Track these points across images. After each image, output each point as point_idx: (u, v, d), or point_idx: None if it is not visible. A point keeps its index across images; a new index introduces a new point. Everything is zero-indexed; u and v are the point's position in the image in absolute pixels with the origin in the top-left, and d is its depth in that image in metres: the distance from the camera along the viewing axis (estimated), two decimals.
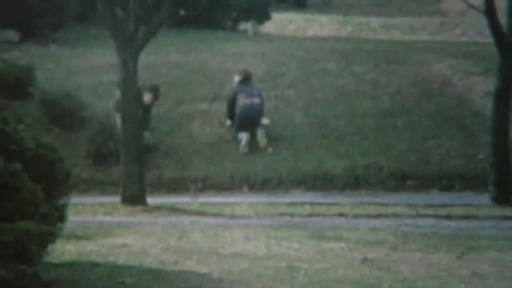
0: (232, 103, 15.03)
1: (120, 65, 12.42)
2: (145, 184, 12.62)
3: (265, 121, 14.96)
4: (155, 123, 15.24)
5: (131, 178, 12.32)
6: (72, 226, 8.15)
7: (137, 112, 12.67)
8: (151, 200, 12.54)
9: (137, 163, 12.41)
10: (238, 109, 14.89)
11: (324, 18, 23.47)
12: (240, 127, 14.86)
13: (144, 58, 13.29)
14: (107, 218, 11.36)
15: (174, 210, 12.05)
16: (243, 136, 14.80)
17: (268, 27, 22.17)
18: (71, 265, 7.63)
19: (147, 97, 14.67)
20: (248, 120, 14.81)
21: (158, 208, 12.11)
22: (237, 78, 15.28)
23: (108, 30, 12.56)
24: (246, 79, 15.16)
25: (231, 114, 15.06)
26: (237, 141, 14.86)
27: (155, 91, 14.93)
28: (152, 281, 7.06)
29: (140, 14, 12.37)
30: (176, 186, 14.11)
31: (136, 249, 8.63)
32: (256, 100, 14.97)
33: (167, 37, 17.29)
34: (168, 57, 17.99)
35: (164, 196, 13.35)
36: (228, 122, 15.18)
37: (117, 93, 13.35)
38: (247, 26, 21.78)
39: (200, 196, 13.47)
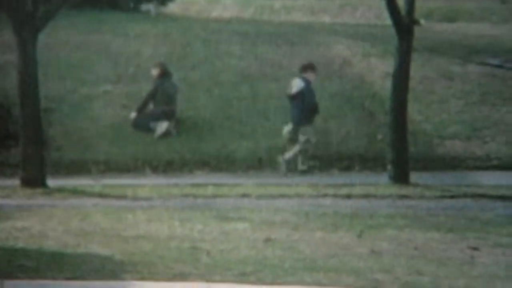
0: (150, 98, 14.99)
1: (17, 46, 12.14)
2: (45, 166, 12.43)
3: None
4: (54, 104, 15.02)
5: (31, 160, 12.12)
6: None
7: (37, 93, 12.44)
8: (51, 182, 12.36)
9: (37, 144, 12.21)
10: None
11: (227, 0, 23.48)
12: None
13: (43, 39, 13.04)
14: (6, 201, 11.15)
15: (76, 192, 11.91)
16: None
17: (171, 8, 22.03)
18: None
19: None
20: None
21: (58, 190, 11.95)
22: (154, 72, 15.19)
23: (5, 9, 12.25)
24: (165, 74, 15.09)
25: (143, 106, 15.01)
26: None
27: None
28: (53, 264, 6.98)
29: None
30: (78, 168, 13.94)
31: (36, 232, 8.52)
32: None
33: (67, 18, 16.99)
34: (69, 38, 17.69)
35: (65, 179, 13.17)
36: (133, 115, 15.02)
37: None
38: (149, 7, 21.60)
39: (102, 178, 13.35)
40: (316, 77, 14.34)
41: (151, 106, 15.17)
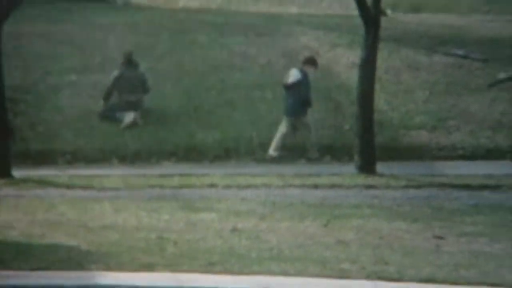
0: (113, 86, 14.91)
1: None
2: (10, 157, 12.33)
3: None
4: (20, 94, 14.89)
5: None
6: None
7: (2, 83, 12.32)
8: (17, 173, 12.26)
9: (2, 135, 12.11)
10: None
11: None
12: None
13: (8, 29, 12.91)
14: None
15: (41, 183, 11.83)
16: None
17: None
18: None
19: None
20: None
21: (24, 181, 11.87)
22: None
23: None
24: (129, 63, 15.02)
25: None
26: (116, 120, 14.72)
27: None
28: (18, 255, 6.94)
29: None
30: (44, 159, 13.84)
31: (1, 222, 8.46)
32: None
33: (33, 8, 16.84)
34: (34, 28, 17.53)
35: (31, 169, 13.08)
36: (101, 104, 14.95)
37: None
38: None
39: (68, 169, 13.27)
40: (314, 72, 14.33)
41: (115, 95, 15.09)
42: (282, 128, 13.86)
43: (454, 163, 13.80)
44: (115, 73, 15.12)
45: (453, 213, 9.70)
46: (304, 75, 14.10)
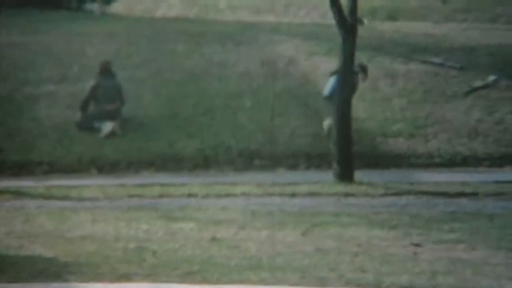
0: (90, 95, 14.88)
1: None
2: None
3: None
4: None
5: None
6: None
7: None
8: None
9: None
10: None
11: None
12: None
13: None
14: None
15: (18, 194, 11.78)
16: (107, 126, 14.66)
17: (116, 7, 21.88)
18: None
19: None
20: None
21: (1, 192, 11.80)
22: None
23: None
24: (105, 72, 14.99)
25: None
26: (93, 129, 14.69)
27: None
28: None
29: None
30: (21, 169, 13.78)
31: None
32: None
33: (8, 17, 16.79)
34: (10, 37, 17.47)
35: (7, 180, 13.01)
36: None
37: None
38: (93, 6, 21.44)
39: (46, 179, 13.21)
40: (364, 79, 14.51)
41: (92, 105, 15.05)
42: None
43: (431, 170, 13.87)
44: (92, 82, 15.10)
45: (430, 220, 9.75)
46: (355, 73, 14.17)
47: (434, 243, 8.27)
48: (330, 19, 13.92)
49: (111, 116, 14.86)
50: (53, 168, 13.91)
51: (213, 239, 8.32)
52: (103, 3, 21.65)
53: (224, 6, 22.17)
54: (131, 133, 14.78)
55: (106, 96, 14.93)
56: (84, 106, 15.02)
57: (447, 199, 11.35)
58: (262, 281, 6.54)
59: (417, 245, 8.13)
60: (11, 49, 17.03)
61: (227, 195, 11.62)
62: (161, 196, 11.64)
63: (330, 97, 13.90)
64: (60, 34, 17.99)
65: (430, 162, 14.31)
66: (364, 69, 14.65)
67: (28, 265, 6.98)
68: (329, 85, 14.19)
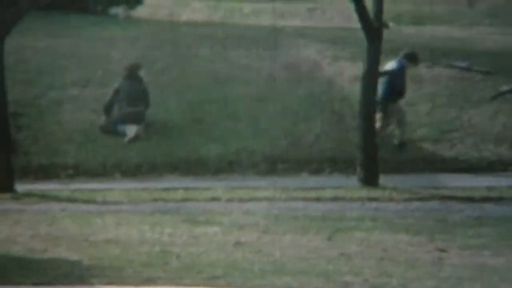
0: (113, 98, 14.94)
1: None
2: (13, 171, 12.33)
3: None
4: (22, 109, 14.90)
5: None
6: None
7: (4, 97, 12.34)
8: (19, 187, 12.26)
9: (4, 149, 12.12)
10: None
11: (196, 3, 23.45)
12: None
13: (11, 43, 12.95)
14: None
15: (44, 197, 11.83)
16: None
17: (140, 11, 21.95)
18: None
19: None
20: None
21: (27, 195, 11.86)
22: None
23: None
24: (130, 75, 15.06)
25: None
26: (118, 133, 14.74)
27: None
28: (20, 269, 6.93)
29: None
30: (46, 173, 13.85)
31: (3, 237, 8.45)
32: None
33: (34, 21, 16.88)
34: (36, 42, 17.58)
35: (33, 184, 13.08)
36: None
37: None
38: (118, 10, 21.52)
39: (71, 183, 13.27)
40: (414, 68, 14.95)
41: (116, 108, 15.09)
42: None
43: (456, 175, 13.78)
44: (115, 85, 15.16)
45: (455, 225, 9.68)
46: (400, 66, 14.50)
47: (459, 248, 8.21)
48: (355, 23, 13.89)
49: (135, 119, 14.88)
50: (77, 172, 13.96)
51: (237, 243, 8.31)
52: (128, 7, 21.74)
53: (248, 11, 22.19)
54: (155, 137, 14.81)
55: (128, 100, 14.96)
56: (107, 110, 15.06)
57: (473, 204, 11.28)
58: (286, 286, 6.52)
59: (442, 250, 8.07)
60: (37, 53, 17.14)
61: (251, 199, 11.60)
62: (184, 200, 11.65)
63: (382, 74, 14.10)
64: (85, 38, 18.09)
65: (455, 167, 14.22)
66: (412, 57, 14.77)
67: (52, 268, 7.00)
68: (390, 64, 14.51)
